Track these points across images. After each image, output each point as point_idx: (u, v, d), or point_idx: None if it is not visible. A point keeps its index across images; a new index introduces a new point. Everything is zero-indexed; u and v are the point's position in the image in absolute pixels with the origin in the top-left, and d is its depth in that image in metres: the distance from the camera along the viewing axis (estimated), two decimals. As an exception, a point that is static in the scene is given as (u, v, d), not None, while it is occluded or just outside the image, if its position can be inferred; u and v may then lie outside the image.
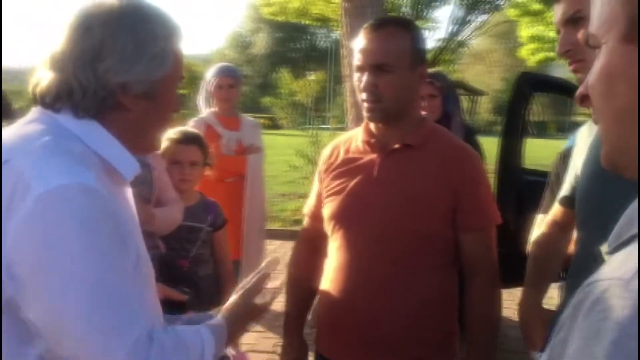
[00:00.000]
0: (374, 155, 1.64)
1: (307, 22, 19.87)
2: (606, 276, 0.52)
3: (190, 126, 3.32)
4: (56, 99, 1.03)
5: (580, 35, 1.29)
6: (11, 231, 0.90)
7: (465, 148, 1.70)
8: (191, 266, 2.36)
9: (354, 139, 1.73)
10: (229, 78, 3.43)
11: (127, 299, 0.96)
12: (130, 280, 0.98)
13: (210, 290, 2.41)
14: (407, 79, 1.57)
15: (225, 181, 3.36)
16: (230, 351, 3.47)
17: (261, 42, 48.55)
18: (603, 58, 0.62)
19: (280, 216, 7.80)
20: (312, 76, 33.08)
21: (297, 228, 7.31)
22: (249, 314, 1.28)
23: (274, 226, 6.84)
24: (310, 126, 11.94)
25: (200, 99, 3.54)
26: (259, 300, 1.28)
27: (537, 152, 15.94)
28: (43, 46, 1.06)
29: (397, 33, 1.57)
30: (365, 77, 1.57)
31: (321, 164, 1.79)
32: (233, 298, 1.27)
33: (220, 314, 1.22)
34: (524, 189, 3.98)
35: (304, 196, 9.99)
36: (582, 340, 0.50)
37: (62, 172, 0.94)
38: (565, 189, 1.58)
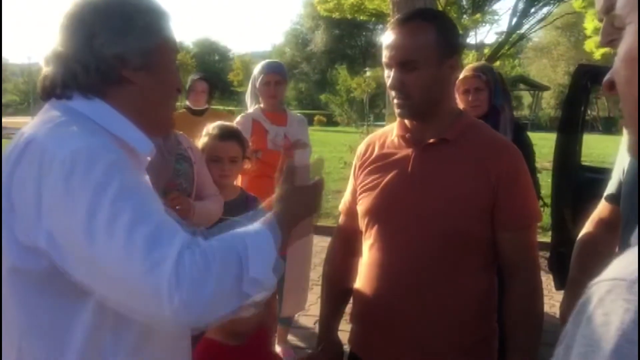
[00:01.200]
0: (408, 150, 1.61)
1: (363, 18, 19.79)
2: (610, 276, 0.48)
3: (237, 122, 3.37)
4: (64, 87, 1.10)
5: None
6: (45, 203, 0.96)
7: (505, 142, 1.63)
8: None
9: (388, 134, 1.70)
10: (276, 75, 3.45)
11: (166, 221, 0.99)
12: (161, 209, 1.02)
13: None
14: (435, 73, 1.52)
15: (271, 176, 3.37)
16: (277, 347, 3.49)
17: (319, 40, 48.71)
18: (627, 40, 0.56)
19: (334, 213, 7.79)
20: (368, 73, 32.93)
21: (349, 224, 7.26)
22: (300, 195, 1.26)
23: (327, 223, 6.84)
24: (366, 123, 11.88)
25: (248, 95, 3.57)
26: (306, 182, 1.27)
27: (604, 148, 15.31)
28: (44, 45, 1.15)
29: (421, 27, 1.53)
30: (392, 75, 1.54)
31: (356, 160, 1.76)
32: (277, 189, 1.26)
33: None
34: (582, 187, 3.82)
35: (357, 193, 9.88)
36: (583, 348, 0.46)
37: (79, 137, 1.02)
38: (611, 185, 1.49)
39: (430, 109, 1.56)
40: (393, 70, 1.54)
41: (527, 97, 37.20)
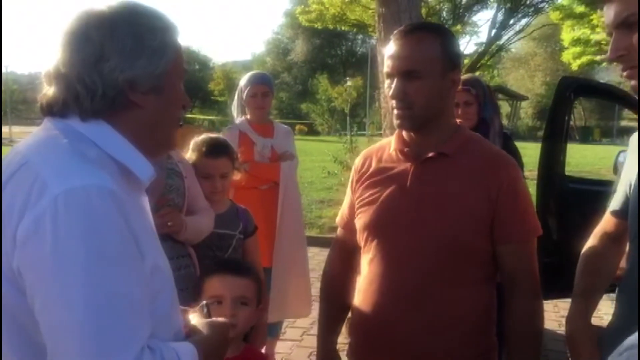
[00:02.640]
0: (407, 164, 1.59)
1: (345, 28, 19.91)
2: None
3: (224, 134, 3.33)
4: (64, 107, 1.04)
5: (634, 39, 1.19)
6: (26, 229, 0.90)
7: (503, 156, 1.63)
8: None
9: (386, 147, 1.69)
10: (263, 86, 3.43)
11: (134, 308, 0.94)
12: (136, 291, 0.95)
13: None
14: (438, 85, 1.52)
15: (259, 188, 3.36)
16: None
17: (300, 49, 48.81)
18: None
19: (318, 223, 7.77)
20: (349, 82, 33.03)
21: (334, 235, 7.22)
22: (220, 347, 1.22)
23: (311, 233, 6.82)
24: (348, 132, 11.92)
25: (234, 107, 3.55)
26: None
27: (580, 158, 15.58)
28: (46, 58, 1.07)
29: (427, 38, 1.53)
30: (394, 84, 1.53)
31: (353, 174, 1.75)
32: (204, 332, 1.19)
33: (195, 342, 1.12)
34: (567, 197, 3.86)
35: (340, 203, 9.88)
36: None
37: (80, 173, 0.95)
38: (617, 200, 1.48)
39: (430, 121, 1.55)
40: (395, 79, 1.53)
41: (505, 107, 37.62)
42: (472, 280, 1.56)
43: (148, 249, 1.02)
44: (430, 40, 1.52)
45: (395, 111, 1.56)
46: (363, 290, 1.65)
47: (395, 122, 1.57)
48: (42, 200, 0.91)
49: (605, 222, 1.55)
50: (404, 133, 1.63)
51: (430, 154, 1.57)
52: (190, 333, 1.16)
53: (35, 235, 0.90)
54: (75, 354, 0.89)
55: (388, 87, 1.56)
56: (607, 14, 1.26)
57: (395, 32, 1.58)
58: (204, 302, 1.30)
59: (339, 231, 1.83)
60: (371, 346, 1.63)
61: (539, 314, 1.59)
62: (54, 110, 1.05)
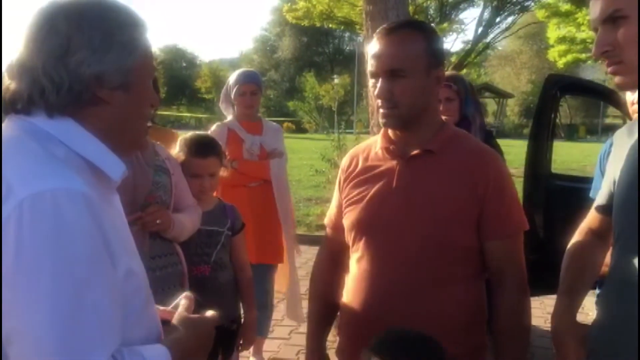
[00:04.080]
0: (393, 162, 1.60)
1: (332, 25, 19.86)
2: None
3: (212, 131, 3.33)
4: (28, 103, 0.99)
5: (620, 35, 1.19)
6: None
7: (489, 152, 1.63)
8: (212, 272, 2.34)
9: (372, 146, 1.69)
10: (252, 85, 3.42)
11: (100, 316, 0.91)
12: (104, 299, 0.93)
13: (228, 298, 2.40)
14: (423, 83, 1.52)
15: (247, 186, 3.36)
16: (252, 358, 3.45)
17: (287, 47, 48.72)
18: None
19: (305, 221, 7.77)
20: (336, 80, 33.05)
21: (322, 233, 7.26)
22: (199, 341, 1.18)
23: (299, 231, 6.81)
24: (335, 130, 11.92)
25: (223, 105, 3.54)
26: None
27: (566, 155, 15.71)
28: (7, 51, 1.04)
29: (410, 36, 1.53)
30: (379, 83, 1.53)
31: (340, 174, 1.75)
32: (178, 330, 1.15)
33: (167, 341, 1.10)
34: (553, 194, 3.89)
35: (328, 201, 9.88)
36: None
37: (48, 176, 0.91)
38: (601, 196, 1.49)
39: (415, 118, 1.56)
40: (380, 79, 1.53)
41: (491, 105, 37.88)
42: (461, 277, 1.56)
43: (121, 251, 1.00)
44: (414, 38, 1.52)
45: (380, 110, 1.56)
46: (352, 288, 1.65)
47: (381, 121, 1.58)
48: (7, 205, 0.87)
49: (590, 219, 1.56)
50: (390, 131, 1.63)
51: (416, 152, 1.57)
52: (167, 332, 1.12)
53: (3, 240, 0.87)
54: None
55: (373, 86, 1.56)
56: (593, 10, 1.26)
57: (378, 30, 1.57)
58: (180, 298, 1.26)
59: (328, 231, 1.84)
60: (360, 344, 1.60)
61: (526, 309, 1.59)
62: (18, 107, 1.00)
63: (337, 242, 1.75)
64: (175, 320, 1.16)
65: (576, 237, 1.57)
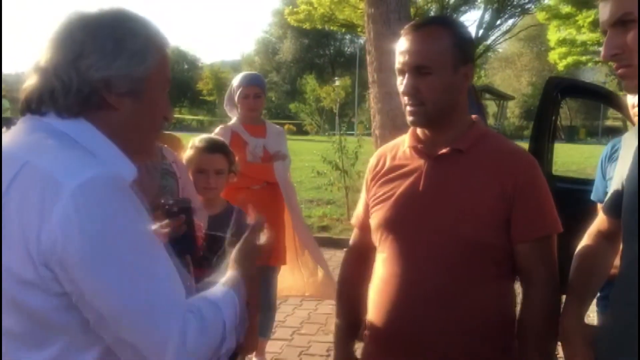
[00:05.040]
0: (421, 161, 1.57)
1: (333, 28, 19.91)
2: None
3: (216, 133, 3.35)
4: (39, 102, 1.05)
5: (629, 38, 1.19)
6: (53, 231, 0.92)
7: (520, 152, 1.60)
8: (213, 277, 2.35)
9: (400, 145, 1.66)
10: (255, 87, 3.44)
11: (170, 277, 1.03)
12: (165, 257, 1.04)
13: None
14: (450, 80, 1.49)
15: (251, 188, 3.37)
16: (254, 359, 3.45)
17: (288, 49, 48.71)
18: None
19: (307, 222, 7.78)
20: (337, 82, 33.04)
21: (324, 234, 7.12)
22: (253, 253, 1.32)
23: (300, 232, 6.83)
24: (336, 132, 11.91)
25: (227, 107, 3.56)
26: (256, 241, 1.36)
27: (566, 157, 15.68)
28: (32, 55, 1.09)
29: (437, 32, 1.50)
30: (405, 80, 1.50)
31: (368, 173, 1.72)
32: (235, 249, 1.31)
33: (230, 267, 1.26)
34: (554, 196, 3.89)
35: (330, 202, 9.96)
36: None
37: (85, 166, 0.98)
38: (610, 198, 1.49)
39: (443, 116, 1.52)
40: (407, 76, 1.50)
41: (492, 107, 37.85)
42: (490, 278, 1.52)
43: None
44: (440, 34, 1.50)
45: (407, 108, 1.53)
46: (379, 290, 1.61)
47: (408, 118, 1.55)
48: (62, 199, 0.93)
49: (599, 221, 1.54)
50: (418, 130, 1.61)
51: (444, 150, 1.54)
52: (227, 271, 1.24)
53: (64, 234, 0.92)
54: (135, 330, 0.98)
55: (400, 83, 1.53)
56: (602, 12, 1.24)
57: (406, 26, 1.55)
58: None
59: (355, 232, 1.80)
60: (387, 346, 1.58)
61: (555, 312, 1.51)
62: (32, 106, 1.05)
63: (364, 242, 1.72)
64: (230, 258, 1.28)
65: (585, 239, 1.55)
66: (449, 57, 1.48)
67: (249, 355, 3.28)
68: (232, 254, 1.28)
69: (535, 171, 1.54)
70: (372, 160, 1.73)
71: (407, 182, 1.57)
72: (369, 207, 1.67)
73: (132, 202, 1.02)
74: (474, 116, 1.65)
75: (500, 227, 1.49)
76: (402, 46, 1.52)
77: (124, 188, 1.01)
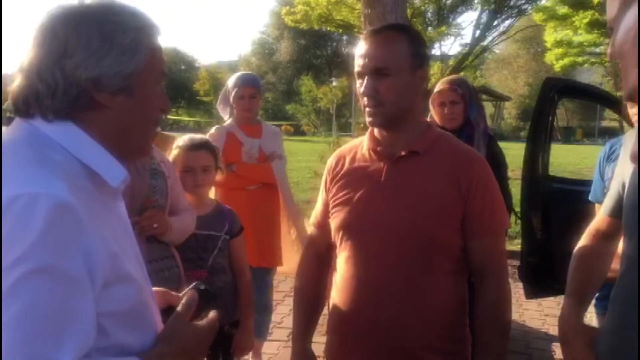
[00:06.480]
0: (380, 163, 1.63)
1: (331, 28, 19.92)
2: None
3: (211, 134, 3.33)
4: (25, 104, 0.99)
5: None
6: None
7: (472, 153, 1.68)
8: (208, 276, 2.34)
9: (359, 147, 1.72)
10: (251, 88, 3.42)
11: (58, 322, 0.87)
12: (70, 299, 0.88)
13: (227, 302, 2.40)
14: (408, 82, 1.56)
15: (246, 189, 3.36)
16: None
17: (285, 49, 48.73)
18: None
19: (303, 222, 7.77)
20: (334, 83, 33.08)
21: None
22: (194, 335, 1.12)
23: (297, 233, 6.82)
24: (333, 133, 11.92)
25: (220, 106, 3.54)
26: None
27: (562, 158, 15.73)
28: (19, 53, 1.03)
29: (394, 37, 1.57)
30: (365, 82, 1.57)
31: (326, 174, 1.78)
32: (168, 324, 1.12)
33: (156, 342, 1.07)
34: (550, 197, 3.90)
35: (327, 203, 9.90)
36: None
37: (27, 181, 0.89)
38: (610, 198, 1.48)
39: (400, 117, 1.60)
40: (366, 78, 1.57)
41: (489, 108, 37.95)
42: (446, 274, 1.60)
43: (123, 254, 0.98)
44: (398, 39, 1.57)
45: (367, 109, 1.60)
46: (341, 288, 1.68)
47: (367, 119, 1.61)
48: None
49: (599, 221, 1.55)
50: (376, 132, 1.67)
51: (402, 153, 1.61)
52: (161, 333, 1.08)
53: None
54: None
55: (359, 86, 1.60)
56: (609, 9, 1.24)
57: (363, 33, 1.62)
58: (186, 290, 1.22)
59: (313, 230, 1.86)
60: (349, 341, 1.66)
61: (506, 306, 1.64)
62: (19, 107, 0.99)
63: (323, 241, 1.79)
64: (164, 329, 1.10)
65: (584, 239, 1.57)
66: (406, 60, 1.55)
67: (245, 356, 3.26)
68: (160, 331, 1.10)
69: (487, 171, 1.63)
70: (332, 161, 1.78)
71: (367, 185, 1.64)
72: (328, 208, 1.73)
73: (69, 232, 0.88)
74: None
75: (456, 225, 1.57)
76: (361, 50, 1.59)
77: (63, 213, 0.88)
